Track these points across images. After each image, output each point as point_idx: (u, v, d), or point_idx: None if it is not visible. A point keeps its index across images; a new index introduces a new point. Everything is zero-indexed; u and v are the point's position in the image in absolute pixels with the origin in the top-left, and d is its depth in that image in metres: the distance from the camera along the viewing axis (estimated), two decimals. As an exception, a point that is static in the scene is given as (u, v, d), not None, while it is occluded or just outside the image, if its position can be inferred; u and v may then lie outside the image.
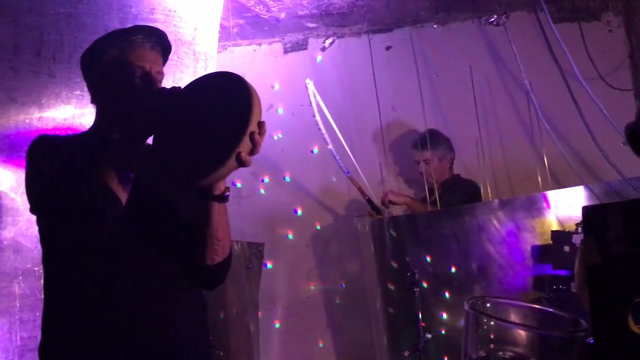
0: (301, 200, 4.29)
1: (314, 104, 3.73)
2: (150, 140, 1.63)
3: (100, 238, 1.52)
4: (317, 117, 3.73)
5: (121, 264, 1.60)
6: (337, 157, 3.78)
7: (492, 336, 1.62)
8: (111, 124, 1.71)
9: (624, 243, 1.40)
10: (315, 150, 4.05)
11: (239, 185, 4.21)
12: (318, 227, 4.28)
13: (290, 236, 4.28)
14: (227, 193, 1.60)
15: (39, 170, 1.65)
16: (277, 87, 4.33)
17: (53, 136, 1.92)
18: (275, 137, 4.20)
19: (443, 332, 3.09)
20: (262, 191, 4.31)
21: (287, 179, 4.30)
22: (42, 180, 1.63)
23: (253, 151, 1.45)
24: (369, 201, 3.78)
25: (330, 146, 3.76)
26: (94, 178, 1.51)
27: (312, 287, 4.22)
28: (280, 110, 4.24)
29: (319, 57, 4.39)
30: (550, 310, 1.90)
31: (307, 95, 3.77)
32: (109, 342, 1.58)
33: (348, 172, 3.79)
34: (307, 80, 3.75)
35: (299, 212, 4.28)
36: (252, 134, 1.43)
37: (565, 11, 4.03)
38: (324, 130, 3.74)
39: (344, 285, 4.18)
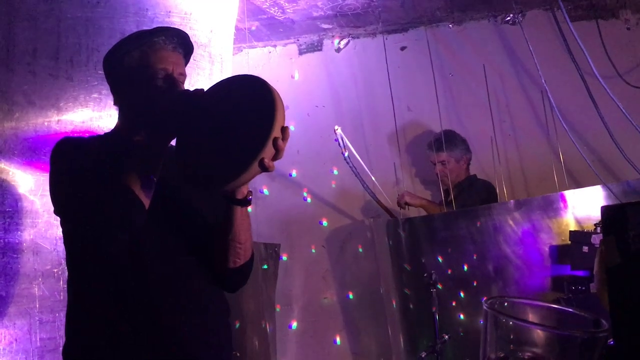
0: (317, 201, 4.29)
1: (342, 145, 3.78)
2: (173, 143, 1.61)
3: (123, 241, 1.51)
4: (347, 155, 3.80)
5: (144, 268, 1.60)
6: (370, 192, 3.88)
7: (511, 336, 1.60)
8: (134, 126, 1.70)
9: (645, 243, 1.39)
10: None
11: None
12: (334, 228, 4.28)
13: (310, 244, 4.27)
14: (250, 197, 1.60)
15: (63, 172, 1.64)
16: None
17: (77, 138, 1.90)
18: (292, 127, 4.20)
19: (461, 332, 3.07)
20: (277, 192, 4.32)
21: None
22: (66, 182, 1.62)
23: (276, 157, 1.44)
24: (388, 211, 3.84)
25: (364, 185, 3.87)
26: (118, 181, 1.50)
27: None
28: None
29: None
30: (570, 310, 1.87)
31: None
32: (134, 344, 1.57)
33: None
34: (336, 127, 3.78)
35: (315, 211, 4.29)
36: (275, 139, 1.42)
37: (582, 9, 4.00)
38: (355, 171, 3.84)
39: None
